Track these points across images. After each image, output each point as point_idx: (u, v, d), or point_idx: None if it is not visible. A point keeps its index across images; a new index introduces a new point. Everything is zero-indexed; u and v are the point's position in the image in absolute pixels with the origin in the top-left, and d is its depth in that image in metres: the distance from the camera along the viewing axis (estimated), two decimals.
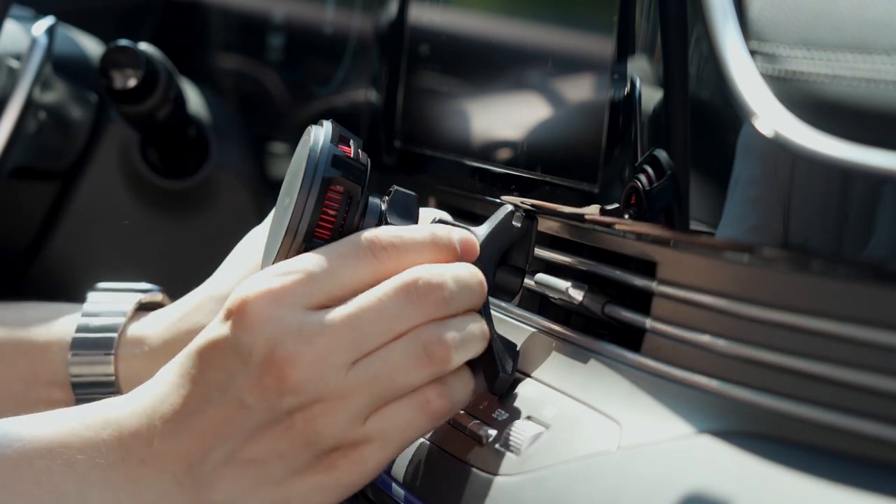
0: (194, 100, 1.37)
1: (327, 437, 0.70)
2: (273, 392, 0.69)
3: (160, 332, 0.94)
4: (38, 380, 0.94)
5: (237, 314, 0.70)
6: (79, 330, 0.94)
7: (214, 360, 0.70)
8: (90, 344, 0.94)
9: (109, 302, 0.97)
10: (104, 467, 0.71)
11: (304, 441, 0.70)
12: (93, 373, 0.93)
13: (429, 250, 0.73)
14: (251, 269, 0.90)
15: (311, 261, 0.71)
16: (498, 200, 0.88)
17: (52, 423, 0.73)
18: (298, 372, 0.69)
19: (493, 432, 0.74)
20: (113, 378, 0.93)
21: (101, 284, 0.99)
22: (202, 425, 0.70)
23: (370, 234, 0.72)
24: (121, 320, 0.95)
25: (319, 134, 0.74)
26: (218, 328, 0.71)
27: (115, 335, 0.94)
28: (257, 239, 0.94)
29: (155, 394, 0.72)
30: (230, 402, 0.70)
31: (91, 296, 0.98)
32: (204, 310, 0.92)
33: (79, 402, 0.91)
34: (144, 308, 0.98)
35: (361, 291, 0.71)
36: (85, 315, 0.95)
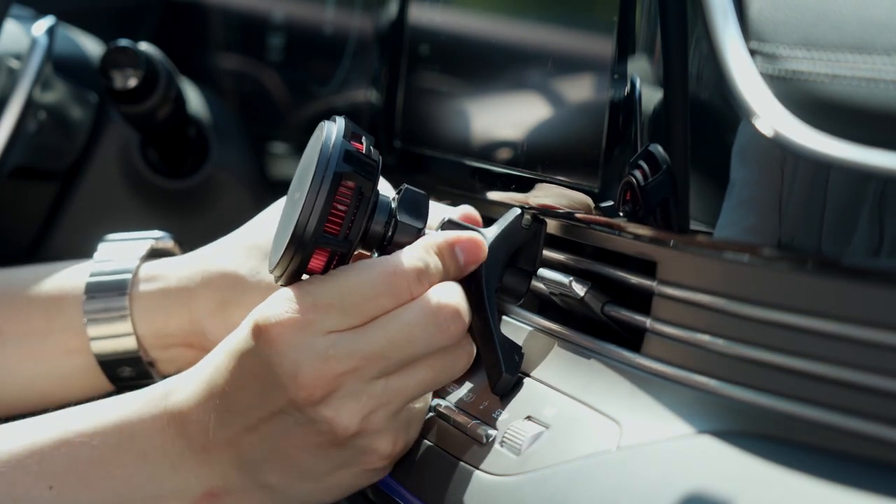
0: (194, 100, 1.37)
1: (374, 429, 0.73)
2: (306, 405, 0.71)
3: (177, 271, 0.93)
4: (54, 330, 0.94)
5: (264, 336, 0.71)
6: (92, 275, 0.94)
7: (250, 368, 0.73)
8: (104, 287, 0.93)
9: (121, 249, 0.96)
10: (173, 455, 0.75)
11: (346, 438, 0.73)
12: (108, 317, 0.93)
13: (442, 274, 0.75)
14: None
15: (344, 296, 0.72)
16: (498, 201, 0.88)
17: (116, 414, 0.76)
18: (326, 392, 0.71)
19: (493, 432, 0.74)
20: (127, 314, 0.92)
21: (111, 236, 0.98)
22: (245, 423, 0.73)
23: (405, 270, 0.73)
24: (134, 263, 0.94)
25: (332, 129, 0.74)
26: (248, 340, 0.73)
27: (128, 276, 0.93)
28: None
29: (207, 384, 0.75)
30: (267, 406, 0.73)
31: (101, 246, 0.97)
32: (230, 254, 0.91)
33: (94, 348, 0.93)
34: (157, 255, 0.97)
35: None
36: (98, 262, 0.95)
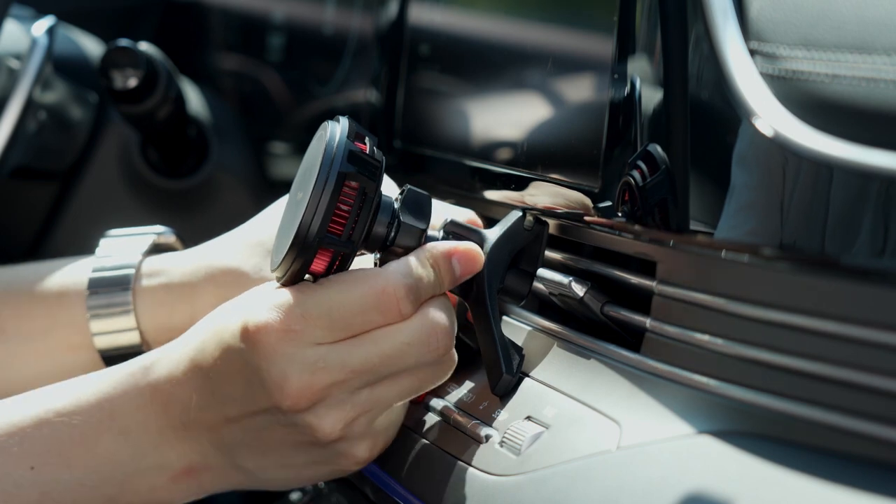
0: (194, 100, 1.37)
1: (355, 435, 0.74)
2: (290, 411, 0.72)
3: (180, 266, 0.93)
4: (57, 326, 0.94)
5: (251, 339, 0.72)
6: (95, 270, 0.94)
7: (236, 365, 0.73)
8: (107, 282, 0.93)
9: (123, 245, 0.96)
10: (154, 432, 0.75)
11: (327, 443, 0.73)
12: (111, 312, 0.93)
13: (437, 288, 0.75)
14: None
15: (333, 310, 0.72)
16: (498, 201, 0.88)
17: (96, 391, 0.76)
18: (311, 402, 0.71)
19: (493, 432, 0.74)
20: (131, 308, 0.92)
21: (113, 231, 0.98)
22: (227, 413, 0.74)
23: (395, 286, 0.73)
24: (137, 258, 0.94)
25: (336, 129, 0.74)
26: (235, 337, 0.72)
27: (131, 271, 0.93)
28: None
29: (192, 362, 0.75)
30: (250, 404, 0.73)
31: (103, 242, 0.97)
32: (233, 251, 0.91)
33: (97, 344, 0.92)
34: (159, 250, 0.97)
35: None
36: (100, 258, 0.95)
